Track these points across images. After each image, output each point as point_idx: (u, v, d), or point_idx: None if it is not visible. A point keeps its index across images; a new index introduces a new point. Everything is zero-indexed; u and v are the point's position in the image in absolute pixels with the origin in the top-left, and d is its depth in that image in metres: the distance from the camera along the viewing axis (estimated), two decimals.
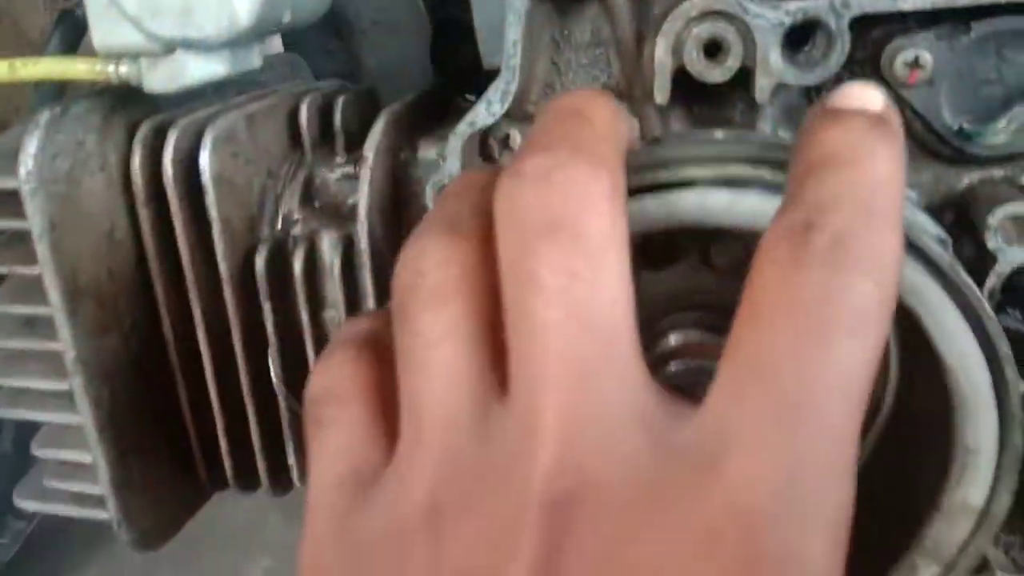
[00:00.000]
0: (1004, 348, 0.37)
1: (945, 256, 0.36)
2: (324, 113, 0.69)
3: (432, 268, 0.31)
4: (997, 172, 0.51)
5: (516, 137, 0.56)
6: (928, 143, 0.51)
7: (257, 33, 0.54)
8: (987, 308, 0.37)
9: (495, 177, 0.35)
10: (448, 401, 0.30)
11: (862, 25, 0.49)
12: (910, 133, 0.51)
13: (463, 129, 0.52)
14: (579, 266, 0.28)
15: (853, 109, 0.31)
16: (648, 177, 0.38)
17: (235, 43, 0.54)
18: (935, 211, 0.53)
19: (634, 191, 0.38)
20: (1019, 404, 0.38)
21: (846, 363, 0.27)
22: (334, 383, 0.34)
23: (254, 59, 0.57)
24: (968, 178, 0.52)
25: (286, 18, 0.54)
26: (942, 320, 0.36)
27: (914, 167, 0.53)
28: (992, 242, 0.48)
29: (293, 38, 1.43)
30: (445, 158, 0.53)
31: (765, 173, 0.37)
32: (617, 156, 0.32)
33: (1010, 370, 0.37)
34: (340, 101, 0.68)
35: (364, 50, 1.33)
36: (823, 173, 0.29)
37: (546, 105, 0.35)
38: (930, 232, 0.38)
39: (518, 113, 0.56)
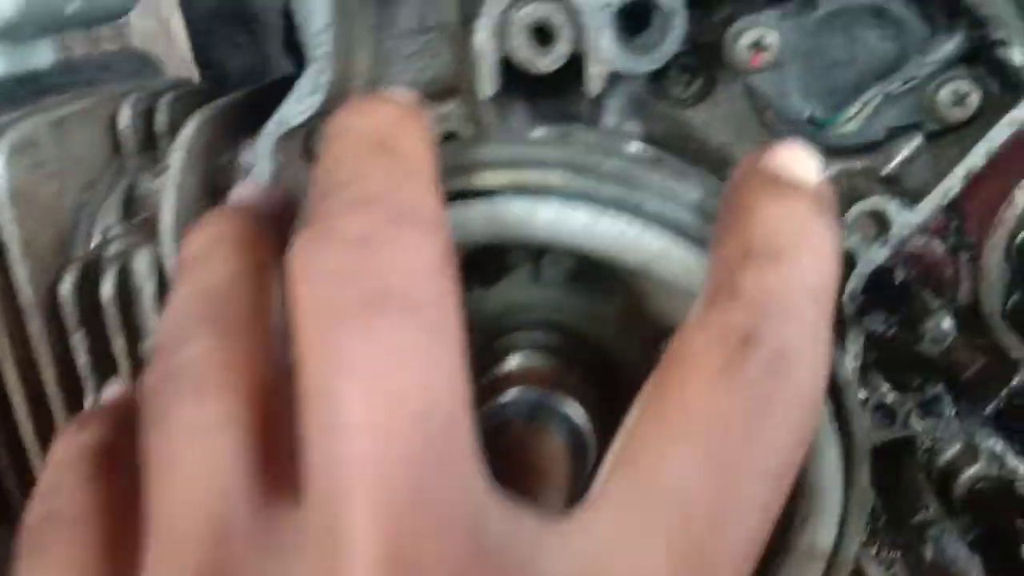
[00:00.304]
0: (844, 374, 0.33)
1: None
2: (148, 115, 0.62)
3: (192, 351, 0.25)
4: (857, 163, 0.47)
5: None
6: (783, 132, 0.47)
7: (32, 26, 0.47)
8: None
9: (256, 219, 0.30)
10: (214, 509, 0.23)
11: (704, 5, 0.45)
12: (763, 122, 0.47)
13: (272, 129, 0.46)
14: (409, 344, 0.23)
15: (792, 182, 0.28)
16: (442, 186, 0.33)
17: (8, 37, 0.47)
18: None
19: None
20: (865, 435, 0.33)
21: (761, 510, 0.24)
22: (56, 505, 0.28)
23: (40, 56, 0.49)
24: (828, 169, 0.48)
25: (71, 7, 0.47)
26: None
27: None
28: (850, 241, 0.44)
29: (199, 31, 1.35)
30: (253, 164, 0.47)
31: (566, 180, 0.32)
32: (439, 200, 0.27)
33: (852, 399, 0.33)
34: (163, 101, 0.61)
35: (273, 45, 1.25)
36: (764, 264, 0.26)
37: (339, 124, 0.29)
38: None
39: None
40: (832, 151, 0.46)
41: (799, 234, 0.27)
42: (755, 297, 0.25)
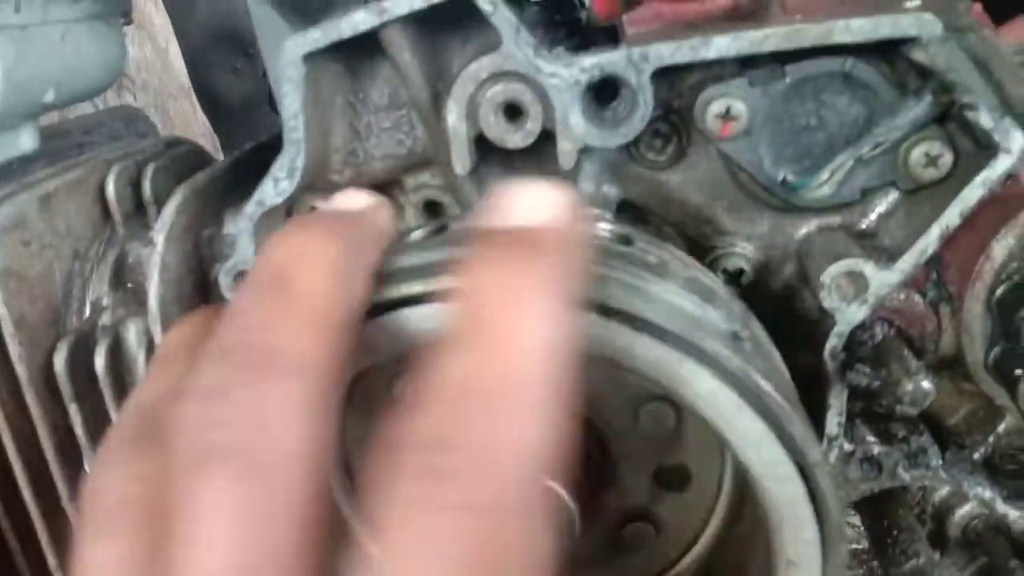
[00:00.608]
0: (814, 455, 0.33)
1: (735, 360, 0.32)
2: (136, 183, 0.63)
3: (109, 488, 0.26)
4: (834, 219, 0.48)
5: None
6: (758, 193, 0.47)
7: (13, 117, 0.47)
8: (790, 412, 0.33)
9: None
10: None
11: (675, 73, 0.45)
12: (739, 183, 0.47)
13: (251, 210, 0.47)
14: (250, 501, 0.23)
15: (506, 231, 0.26)
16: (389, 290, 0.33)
17: None
18: (776, 263, 0.49)
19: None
20: (840, 511, 0.34)
21: None
22: None
23: (23, 142, 0.50)
24: (806, 226, 0.48)
25: (49, 97, 0.47)
26: (741, 429, 0.32)
27: (749, 218, 0.49)
28: (828, 301, 0.44)
29: (196, 57, 1.35)
30: (235, 242, 0.47)
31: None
32: (320, 337, 0.26)
33: (824, 477, 0.33)
34: (149, 169, 0.62)
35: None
36: (455, 349, 0.24)
37: (259, 255, 0.30)
38: (720, 329, 0.33)
39: (322, 183, 0.50)
40: (808, 209, 0.46)
41: (499, 297, 0.24)
42: (446, 393, 0.23)
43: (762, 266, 0.49)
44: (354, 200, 0.34)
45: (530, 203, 0.27)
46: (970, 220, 0.45)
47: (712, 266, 0.50)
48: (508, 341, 0.24)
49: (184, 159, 0.65)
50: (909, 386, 0.42)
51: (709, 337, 0.32)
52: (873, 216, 0.47)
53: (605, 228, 0.39)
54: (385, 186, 0.51)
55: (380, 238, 0.33)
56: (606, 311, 0.32)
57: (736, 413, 0.32)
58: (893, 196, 0.46)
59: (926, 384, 0.41)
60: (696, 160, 0.48)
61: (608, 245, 0.36)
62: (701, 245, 0.50)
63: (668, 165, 0.48)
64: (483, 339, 0.24)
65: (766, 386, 0.32)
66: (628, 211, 0.51)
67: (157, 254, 0.51)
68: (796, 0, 0.45)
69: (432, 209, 0.52)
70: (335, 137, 0.49)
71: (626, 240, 0.39)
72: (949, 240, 0.45)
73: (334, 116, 0.48)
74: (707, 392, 0.32)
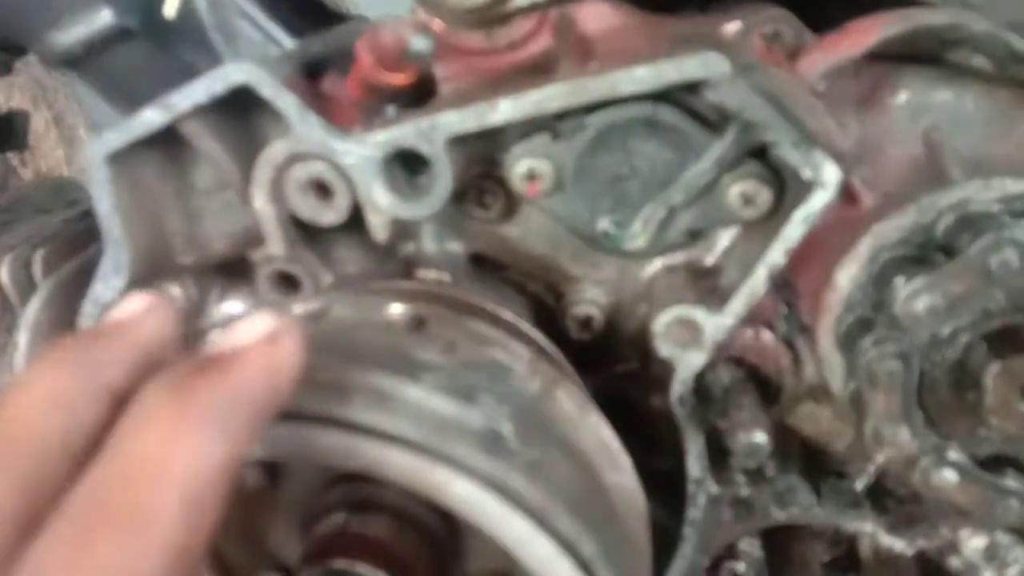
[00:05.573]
0: (589, 548, 0.32)
1: (488, 462, 0.31)
2: (29, 267, 0.63)
3: None
4: (678, 257, 0.46)
5: (174, 293, 0.51)
6: (594, 245, 0.45)
7: None
8: (554, 507, 0.32)
9: None
10: None
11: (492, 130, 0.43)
12: (578, 232, 0.46)
13: (89, 310, 0.47)
14: None
15: (192, 360, 0.27)
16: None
17: None
18: (627, 306, 0.48)
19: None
20: None
21: None
22: None
23: None
24: (651, 267, 0.46)
25: None
26: (506, 530, 0.31)
27: (593, 263, 0.47)
28: (664, 349, 0.43)
29: None
30: None
31: None
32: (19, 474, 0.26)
33: (604, 568, 0.32)
34: (39, 255, 0.62)
35: None
36: (93, 468, 0.25)
37: None
38: (475, 430, 0.32)
39: (170, 268, 0.50)
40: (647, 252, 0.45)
41: (139, 435, 0.25)
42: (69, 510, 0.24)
43: (614, 310, 0.48)
44: (129, 305, 0.34)
45: (236, 334, 0.28)
46: (818, 247, 0.43)
47: (564, 315, 0.48)
48: (139, 470, 0.25)
49: (82, 236, 0.65)
50: (742, 439, 0.40)
51: (460, 441, 0.31)
52: (718, 251, 0.45)
53: (396, 311, 0.38)
54: (235, 263, 0.51)
55: (133, 349, 0.33)
56: (349, 427, 0.31)
57: (497, 514, 0.31)
58: (735, 229, 0.44)
59: (758, 438, 0.40)
60: (529, 212, 0.46)
61: (376, 341, 0.35)
62: (555, 293, 0.49)
63: (500, 220, 0.47)
64: (117, 464, 0.25)
65: (523, 485, 0.31)
66: (483, 264, 0.50)
67: (20, 355, 0.51)
68: (606, 44, 0.43)
69: (286, 281, 0.51)
70: (170, 224, 0.49)
71: (418, 323, 0.38)
72: (801, 268, 0.44)
73: (165, 204, 0.48)
74: (464, 497, 0.31)
